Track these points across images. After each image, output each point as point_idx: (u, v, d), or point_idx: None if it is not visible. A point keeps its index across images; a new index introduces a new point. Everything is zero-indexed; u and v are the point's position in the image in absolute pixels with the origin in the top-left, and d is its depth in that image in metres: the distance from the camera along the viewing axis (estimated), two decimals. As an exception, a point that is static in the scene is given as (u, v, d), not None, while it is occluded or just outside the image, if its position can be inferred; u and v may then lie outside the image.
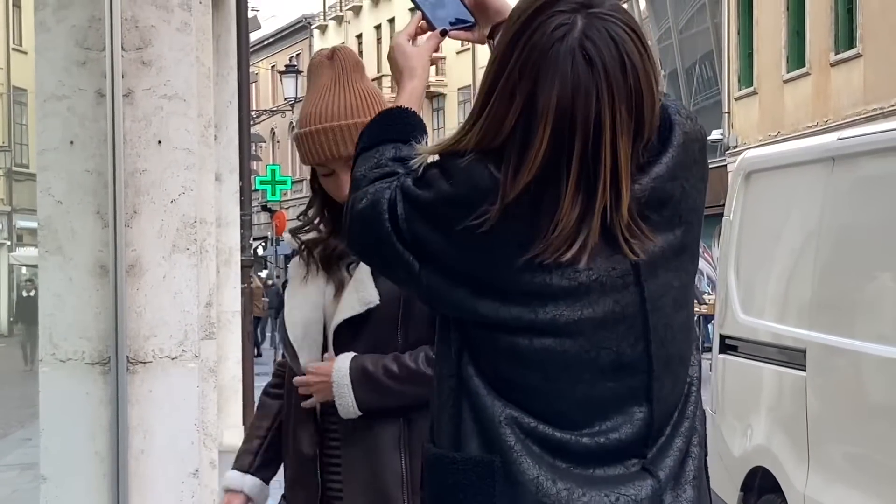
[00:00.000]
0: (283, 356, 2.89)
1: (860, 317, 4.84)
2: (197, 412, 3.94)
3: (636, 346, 1.76)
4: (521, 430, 1.74)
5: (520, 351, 1.74)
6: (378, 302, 2.63)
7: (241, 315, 11.28)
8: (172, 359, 3.91)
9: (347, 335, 2.69)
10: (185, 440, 3.91)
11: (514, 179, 1.70)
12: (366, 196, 1.86)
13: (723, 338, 6.03)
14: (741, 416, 5.68)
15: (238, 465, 2.98)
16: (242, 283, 11.73)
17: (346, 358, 2.65)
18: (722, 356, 6.02)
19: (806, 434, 4.94)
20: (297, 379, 2.74)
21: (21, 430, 13.34)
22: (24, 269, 35.70)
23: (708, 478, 1.87)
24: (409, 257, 1.81)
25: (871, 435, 4.58)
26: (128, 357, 3.86)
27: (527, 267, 1.72)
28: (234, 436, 10.92)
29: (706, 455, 1.86)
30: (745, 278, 5.95)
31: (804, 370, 5.00)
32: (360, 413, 2.63)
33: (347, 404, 2.63)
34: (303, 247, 2.81)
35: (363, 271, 2.66)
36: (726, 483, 5.74)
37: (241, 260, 11.52)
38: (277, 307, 25.98)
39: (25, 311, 27.47)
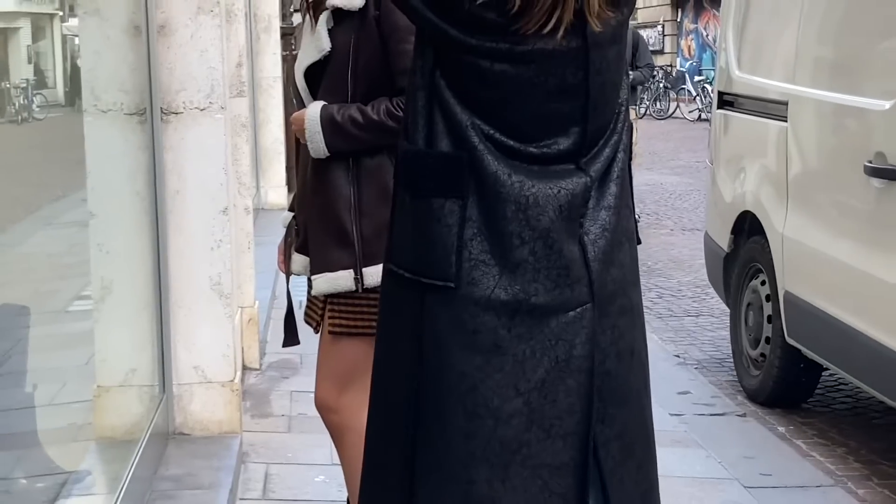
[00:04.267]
0: None
1: (839, 70, 5.15)
2: (224, 158, 4.34)
3: (577, 75, 2.13)
4: (482, 135, 2.12)
5: (482, 71, 2.10)
6: (328, 49, 3.04)
7: (281, 81, 11.67)
8: (201, 110, 4.30)
9: (313, 81, 3.12)
10: (215, 182, 4.28)
11: None
12: None
13: (721, 94, 6.38)
14: (733, 166, 6.08)
15: (291, 207, 3.44)
16: (284, 50, 12.05)
17: (317, 106, 3.08)
18: (720, 111, 6.37)
19: (786, 180, 5.36)
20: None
21: (79, 191, 13.85)
22: (76, 40, 35.86)
23: (631, 177, 2.29)
24: None
25: (840, 180, 4.97)
26: (161, 108, 4.22)
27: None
28: (278, 195, 11.49)
29: (630, 159, 2.27)
30: (742, 38, 6.26)
31: (786, 121, 5.39)
32: (328, 154, 3.09)
33: (319, 148, 3.08)
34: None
35: (322, 23, 3.06)
36: (720, 227, 6.19)
37: (281, 28, 11.84)
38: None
39: (78, 80, 27.64)
